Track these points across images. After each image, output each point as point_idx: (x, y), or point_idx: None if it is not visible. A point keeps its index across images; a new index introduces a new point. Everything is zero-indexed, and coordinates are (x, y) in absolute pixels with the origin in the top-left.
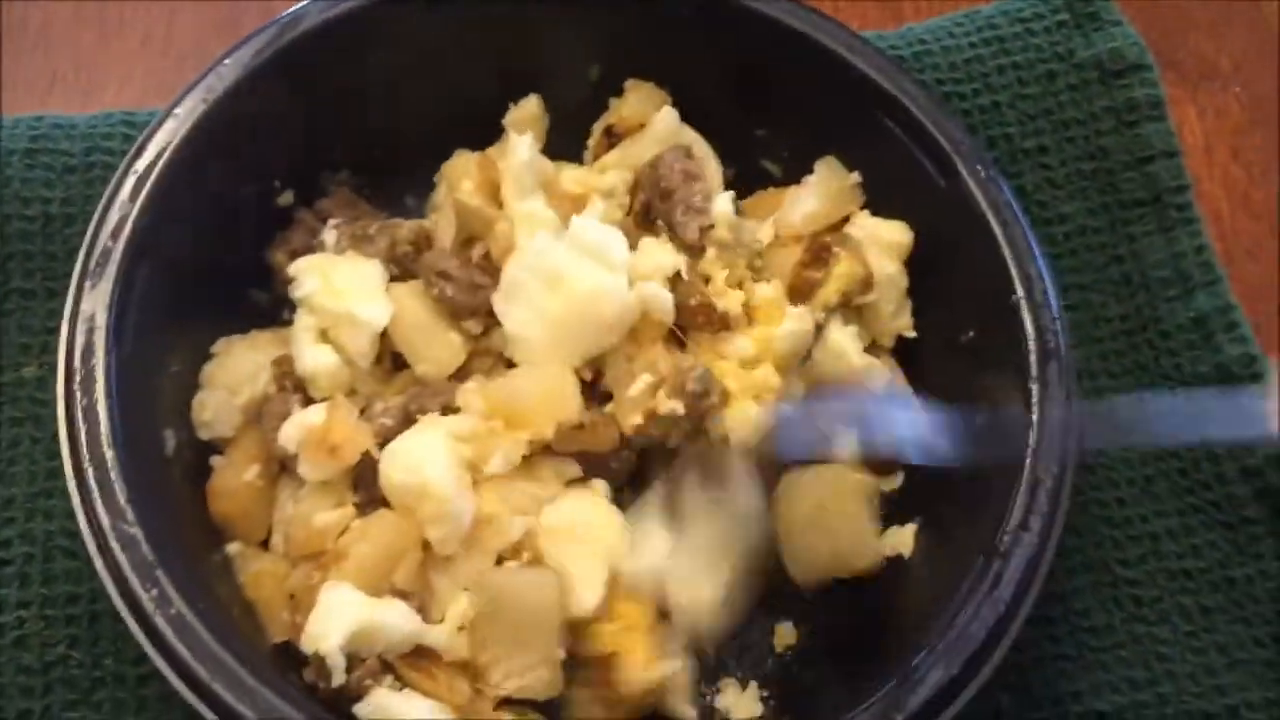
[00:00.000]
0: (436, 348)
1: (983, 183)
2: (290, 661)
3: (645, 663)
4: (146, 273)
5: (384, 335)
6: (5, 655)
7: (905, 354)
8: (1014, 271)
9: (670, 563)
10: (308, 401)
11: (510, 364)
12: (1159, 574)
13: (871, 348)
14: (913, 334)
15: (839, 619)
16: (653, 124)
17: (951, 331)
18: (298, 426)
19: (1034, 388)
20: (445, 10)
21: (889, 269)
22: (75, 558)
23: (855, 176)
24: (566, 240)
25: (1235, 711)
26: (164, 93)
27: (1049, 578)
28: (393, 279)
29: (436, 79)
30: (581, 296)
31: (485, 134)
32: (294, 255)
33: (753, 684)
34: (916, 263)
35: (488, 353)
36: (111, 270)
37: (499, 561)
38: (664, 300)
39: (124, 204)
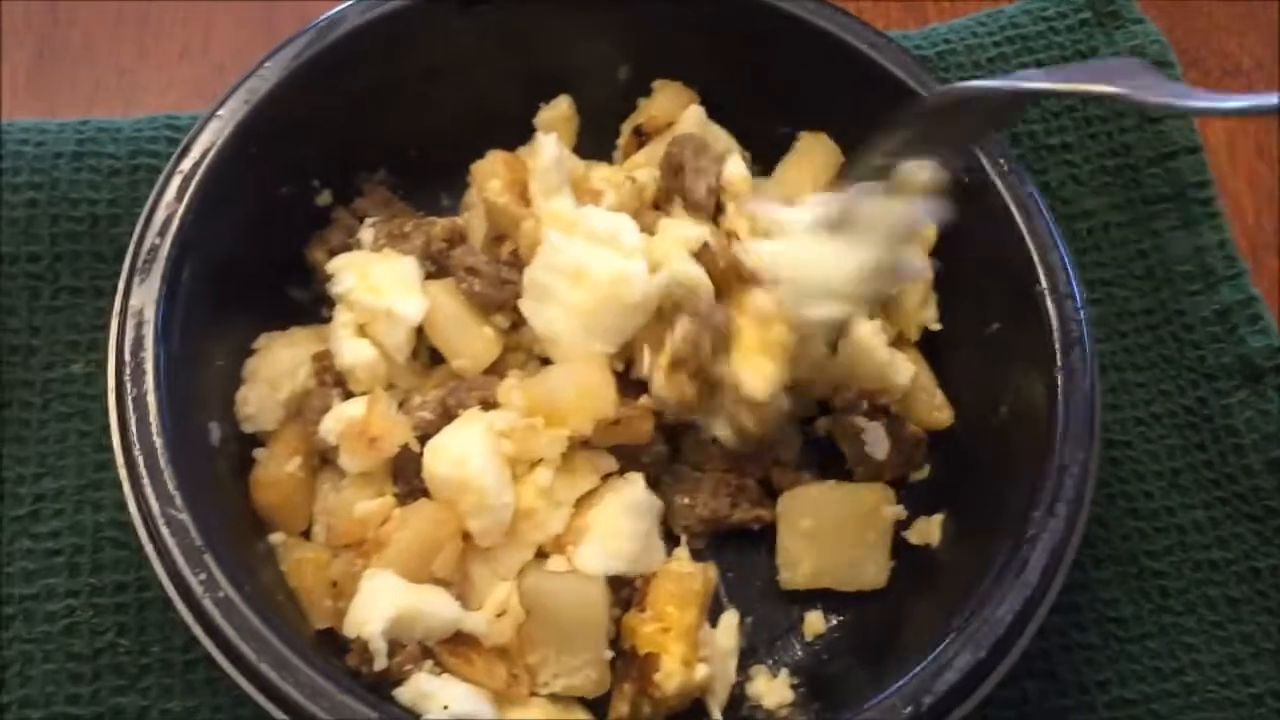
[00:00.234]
0: (471, 342)
1: (1005, 176)
2: (332, 648)
3: (684, 665)
4: (191, 270)
5: (420, 331)
6: (55, 642)
7: (931, 346)
8: (1037, 262)
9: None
10: (347, 395)
11: (545, 360)
12: (1185, 565)
13: (897, 341)
14: (938, 326)
15: (867, 609)
16: (680, 122)
17: (977, 324)
18: (338, 419)
19: (1059, 376)
20: (478, 13)
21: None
22: (123, 547)
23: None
24: (579, 233)
25: (1260, 700)
26: (202, 98)
27: (1076, 567)
28: (428, 276)
29: (470, 80)
30: (604, 284)
31: (519, 134)
32: (332, 253)
33: (783, 671)
34: (942, 256)
35: (519, 348)
36: (159, 267)
37: (539, 555)
38: (697, 275)
39: (170, 203)
